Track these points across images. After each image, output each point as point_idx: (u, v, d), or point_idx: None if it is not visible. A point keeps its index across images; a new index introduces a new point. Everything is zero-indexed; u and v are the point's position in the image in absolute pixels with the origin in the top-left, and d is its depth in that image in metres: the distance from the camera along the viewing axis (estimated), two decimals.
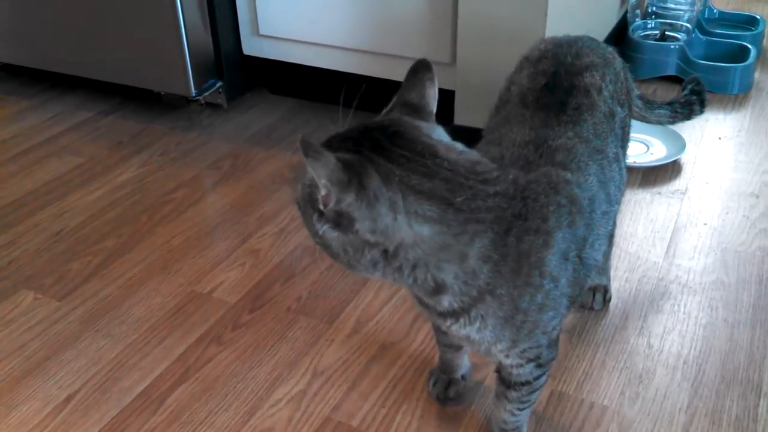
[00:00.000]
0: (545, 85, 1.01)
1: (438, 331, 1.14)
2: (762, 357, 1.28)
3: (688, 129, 1.94)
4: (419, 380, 1.25)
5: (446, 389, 1.20)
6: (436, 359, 1.23)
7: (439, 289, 0.84)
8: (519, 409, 1.06)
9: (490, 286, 0.84)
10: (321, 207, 0.79)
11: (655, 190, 1.74)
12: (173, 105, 2.17)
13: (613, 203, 1.03)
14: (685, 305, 1.40)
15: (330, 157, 0.75)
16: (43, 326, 1.38)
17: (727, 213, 1.66)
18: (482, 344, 0.92)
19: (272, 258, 1.55)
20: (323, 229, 0.80)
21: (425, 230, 0.80)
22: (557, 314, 0.92)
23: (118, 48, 2.04)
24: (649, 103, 1.33)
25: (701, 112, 1.37)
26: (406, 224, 0.79)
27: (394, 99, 0.90)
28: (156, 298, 1.44)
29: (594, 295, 1.37)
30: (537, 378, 1.01)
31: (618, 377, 1.24)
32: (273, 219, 1.67)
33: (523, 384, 1.01)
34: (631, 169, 1.79)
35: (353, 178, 0.76)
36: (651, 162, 1.82)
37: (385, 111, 0.90)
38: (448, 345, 1.16)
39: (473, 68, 1.76)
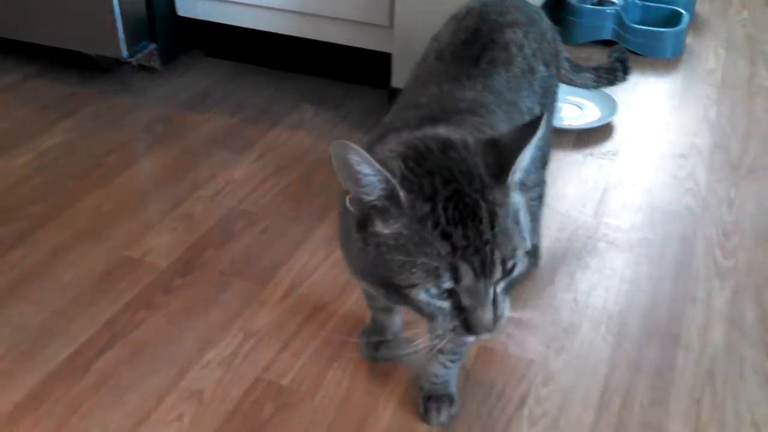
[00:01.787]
0: (464, 41, 1.02)
1: (370, 295, 1.14)
2: (681, 311, 1.33)
3: (621, 92, 1.97)
4: (350, 339, 1.26)
5: (377, 349, 1.21)
6: (367, 320, 1.24)
7: None
8: (451, 361, 1.08)
9: None
10: None
11: (588, 151, 1.78)
12: (105, 68, 2.10)
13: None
14: (611, 262, 1.43)
15: None
16: None
17: (656, 173, 1.71)
18: None
19: (205, 222, 1.54)
20: None
21: None
22: None
23: (45, 8, 1.96)
24: (575, 67, 1.35)
25: (624, 78, 1.41)
26: None
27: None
28: (85, 264, 1.41)
29: None
30: None
31: (544, 331, 1.27)
32: (207, 183, 1.65)
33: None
34: (565, 131, 1.81)
35: None
36: (584, 124, 1.84)
37: None
38: (380, 308, 1.17)
39: (411, 30, 1.75)
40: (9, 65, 2.11)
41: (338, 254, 1.42)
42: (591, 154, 1.76)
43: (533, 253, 1.40)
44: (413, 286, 0.72)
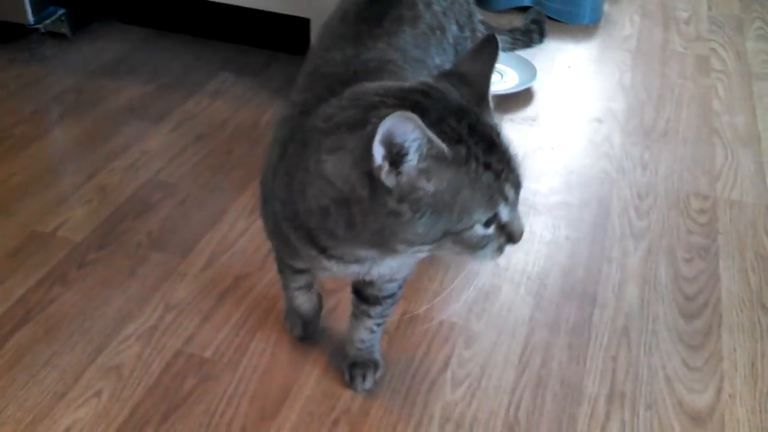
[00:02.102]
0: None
1: (290, 274, 1.11)
2: (598, 271, 1.37)
3: (540, 58, 2.00)
4: (273, 309, 1.25)
5: (305, 328, 1.19)
6: (283, 304, 1.22)
7: None
8: (378, 325, 1.09)
9: None
10: None
11: (508, 117, 1.80)
12: (11, 35, 2.00)
13: None
14: (531, 225, 1.46)
15: None
16: None
17: (573, 138, 1.74)
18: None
19: (121, 193, 1.49)
20: None
21: None
22: None
23: None
24: (490, 29, 1.35)
25: (541, 41, 1.43)
26: None
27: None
28: None
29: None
30: (400, 287, 1.05)
31: (467, 295, 1.29)
32: (122, 154, 1.60)
33: (387, 297, 1.04)
34: None
35: None
36: (504, 90, 1.86)
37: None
38: (301, 287, 1.14)
39: None
40: None
41: (258, 225, 1.40)
42: (511, 120, 1.79)
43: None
44: (472, 226, 0.75)
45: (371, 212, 0.75)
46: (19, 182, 1.51)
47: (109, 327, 1.20)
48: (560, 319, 1.26)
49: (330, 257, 0.87)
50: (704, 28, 2.31)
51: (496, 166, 0.74)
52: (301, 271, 1.10)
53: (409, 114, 0.68)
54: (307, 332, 1.19)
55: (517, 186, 0.77)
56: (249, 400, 1.10)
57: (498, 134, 0.77)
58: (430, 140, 0.71)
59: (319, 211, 0.79)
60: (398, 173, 0.72)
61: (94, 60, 1.94)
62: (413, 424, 1.08)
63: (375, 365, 1.14)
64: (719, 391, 1.16)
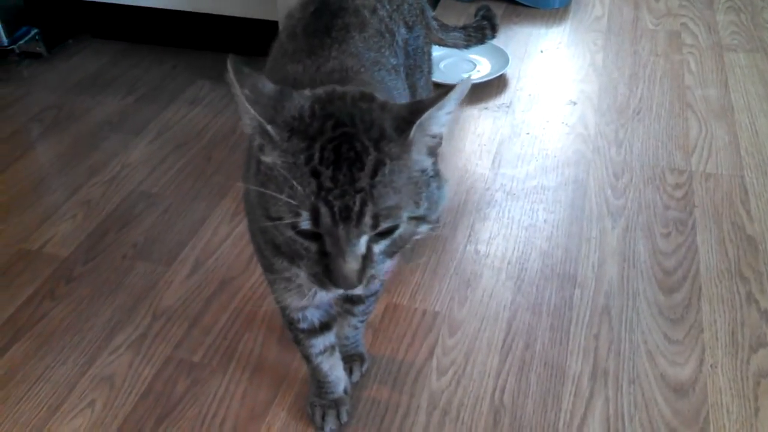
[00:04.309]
0: (313, 12, 1.01)
1: (306, 338, 1.03)
2: (577, 251, 1.39)
3: (513, 44, 2.02)
4: (259, 310, 1.27)
5: (338, 415, 1.10)
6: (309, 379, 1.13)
7: None
8: (361, 321, 1.11)
9: None
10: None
11: (482, 105, 1.82)
12: None
13: None
14: (509, 211, 1.48)
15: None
16: None
17: (548, 122, 1.76)
18: None
19: (105, 207, 1.51)
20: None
21: None
22: None
23: None
24: (443, 26, 1.38)
25: (493, 36, 1.46)
26: None
27: (258, 103, 0.76)
28: None
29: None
30: (381, 284, 1.06)
31: (448, 284, 1.31)
32: (103, 168, 1.62)
33: (370, 295, 1.06)
34: None
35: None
36: (477, 78, 1.88)
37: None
38: (318, 352, 1.05)
39: None
40: None
41: (242, 229, 1.44)
42: (486, 108, 1.81)
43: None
44: (280, 218, 0.70)
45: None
46: (3, 202, 1.52)
47: (100, 338, 1.23)
48: (542, 302, 1.28)
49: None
50: (674, 4, 2.33)
51: (324, 181, 0.68)
52: (314, 331, 1.03)
53: (228, 66, 0.70)
54: (341, 420, 1.09)
55: (342, 220, 0.68)
56: (239, 400, 1.12)
57: (375, 163, 0.69)
58: (253, 116, 0.70)
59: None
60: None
61: (71, 77, 1.96)
62: (401, 414, 1.10)
63: (361, 359, 1.16)
64: (701, 362, 1.18)
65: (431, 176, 0.74)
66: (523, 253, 1.38)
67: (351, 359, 1.15)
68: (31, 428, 1.09)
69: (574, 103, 1.83)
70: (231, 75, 0.70)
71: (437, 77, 1.74)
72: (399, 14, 1.10)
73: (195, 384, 1.15)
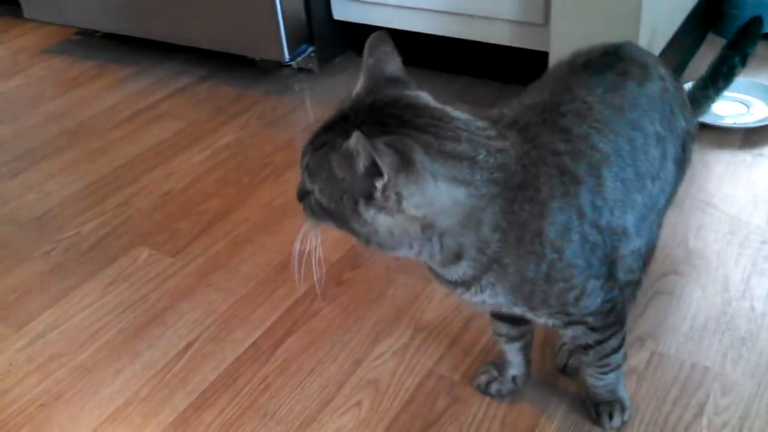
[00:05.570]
0: (603, 53, 1.03)
1: (495, 321, 1.12)
2: None
3: None
4: None
5: (488, 384, 1.19)
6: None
7: (458, 256, 0.86)
8: (601, 373, 1.07)
9: (497, 255, 0.86)
10: (377, 194, 0.78)
11: (756, 151, 1.70)
12: (266, 70, 2.22)
13: (646, 178, 0.98)
14: None
15: (377, 144, 0.75)
16: (160, 280, 1.47)
17: None
18: (501, 307, 0.95)
19: None
20: (371, 215, 0.81)
21: (460, 193, 0.81)
22: (571, 285, 0.91)
23: (214, 16, 2.10)
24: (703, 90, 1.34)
25: (743, 64, 1.34)
26: (446, 190, 0.80)
27: (366, 76, 0.91)
28: (263, 255, 1.51)
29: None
30: (600, 343, 1.01)
31: (720, 339, 1.24)
32: None
33: (585, 348, 1.02)
34: (729, 131, 1.75)
35: (402, 156, 0.77)
36: (752, 123, 1.77)
37: (361, 89, 0.90)
38: (500, 333, 1.13)
39: (568, 29, 1.74)
40: (183, 69, 2.27)
41: None
42: (761, 155, 1.69)
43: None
44: None
45: None
46: (280, 204, 1.66)
47: (366, 342, 1.30)
48: None
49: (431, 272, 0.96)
50: None
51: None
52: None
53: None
54: (488, 389, 1.18)
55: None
56: (499, 424, 1.13)
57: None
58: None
59: None
60: None
61: (337, 92, 2.10)
62: None
63: (621, 405, 1.12)
64: None
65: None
66: None
67: (610, 404, 1.11)
68: (305, 417, 1.17)
69: None
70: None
71: (707, 118, 1.67)
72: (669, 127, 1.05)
73: (455, 401, 1.18)
